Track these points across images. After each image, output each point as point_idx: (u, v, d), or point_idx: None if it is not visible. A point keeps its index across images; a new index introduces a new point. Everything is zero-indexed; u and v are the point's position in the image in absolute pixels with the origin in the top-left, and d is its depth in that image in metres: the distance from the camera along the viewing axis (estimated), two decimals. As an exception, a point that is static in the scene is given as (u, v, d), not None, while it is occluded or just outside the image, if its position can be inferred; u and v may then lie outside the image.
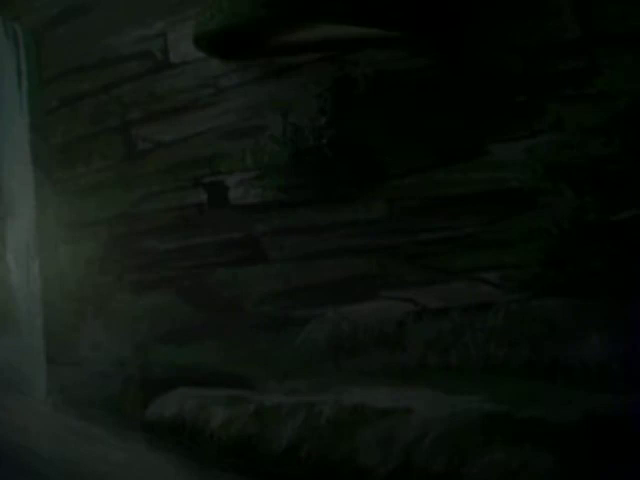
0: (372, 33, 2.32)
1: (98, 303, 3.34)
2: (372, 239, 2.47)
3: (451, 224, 2.31)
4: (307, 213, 2.62)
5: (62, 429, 3.30)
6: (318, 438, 2.29)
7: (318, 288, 2.60)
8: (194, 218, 2.97)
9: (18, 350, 3.83)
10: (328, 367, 2.55)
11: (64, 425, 3.35)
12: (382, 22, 2.25)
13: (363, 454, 2.15)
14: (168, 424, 2.77)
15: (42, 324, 3.65)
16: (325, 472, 2.18)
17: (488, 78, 2.24)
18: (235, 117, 2.80)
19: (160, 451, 2.77)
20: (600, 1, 2.08)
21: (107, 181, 3.30)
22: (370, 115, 2.46)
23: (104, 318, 3.30)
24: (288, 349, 2.64)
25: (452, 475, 1.91)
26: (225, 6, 2.26)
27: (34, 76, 3.69)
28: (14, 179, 3.89)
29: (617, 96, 2.06)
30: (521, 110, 2.20)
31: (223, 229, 2.87)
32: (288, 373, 2.62)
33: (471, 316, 2.26)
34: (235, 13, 2.21)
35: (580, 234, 2.11)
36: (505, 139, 2.23)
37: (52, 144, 3.56)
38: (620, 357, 2.03)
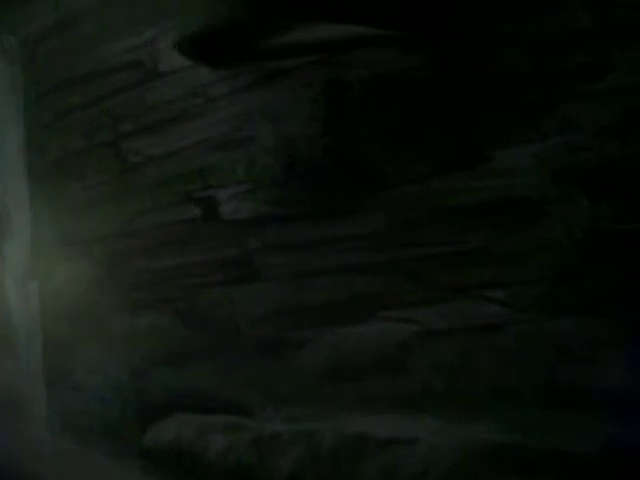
0: (365, 32, 2.17)
1: (94, 324, 3.25)
2: (370, 254, 2.30)
3: (454, 237, 2.14)
4: (302, 228, 2.46)
5: (62, 455, 3.30)
6: (319, 468, 2.23)
7: (315, 308, 2.45)
8: (188, 235, 2.84)
9: (18, 373, 3.82)
10: (327, 393, 2.41)
11: (64, 451, 3.35)
12: (375, 20, 2.10)
13: (366, 486, 2.07)
14: (165, 451, 2.77)
15: (41, 346, 3.60)
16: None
17: (490, 77, 2.07)
18: (226, 127, 2.66)
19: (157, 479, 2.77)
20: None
21: (101, 197, 3.20)
22: (366, 120, 2.30)
23: (100, 340, 3.21)
24: (285, 373, 2.51)
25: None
26: (204, 7, 2.12)
27: (29, 90, 3.63)
28: (10, 195, 3.85)
29: (632, 92, 1.89)
30: (527, 111, 2.02)
31: (216, 246, 2.73)
32: (286, 399, 2.50)
33: (478, 338, 2.10)
34: (214, 14, 2.08)
35: (595, 245, 1.94)
36: (510, 143, 2.05)
37: (47, 159, 3.48)
38: (642, 381, 1.86)
